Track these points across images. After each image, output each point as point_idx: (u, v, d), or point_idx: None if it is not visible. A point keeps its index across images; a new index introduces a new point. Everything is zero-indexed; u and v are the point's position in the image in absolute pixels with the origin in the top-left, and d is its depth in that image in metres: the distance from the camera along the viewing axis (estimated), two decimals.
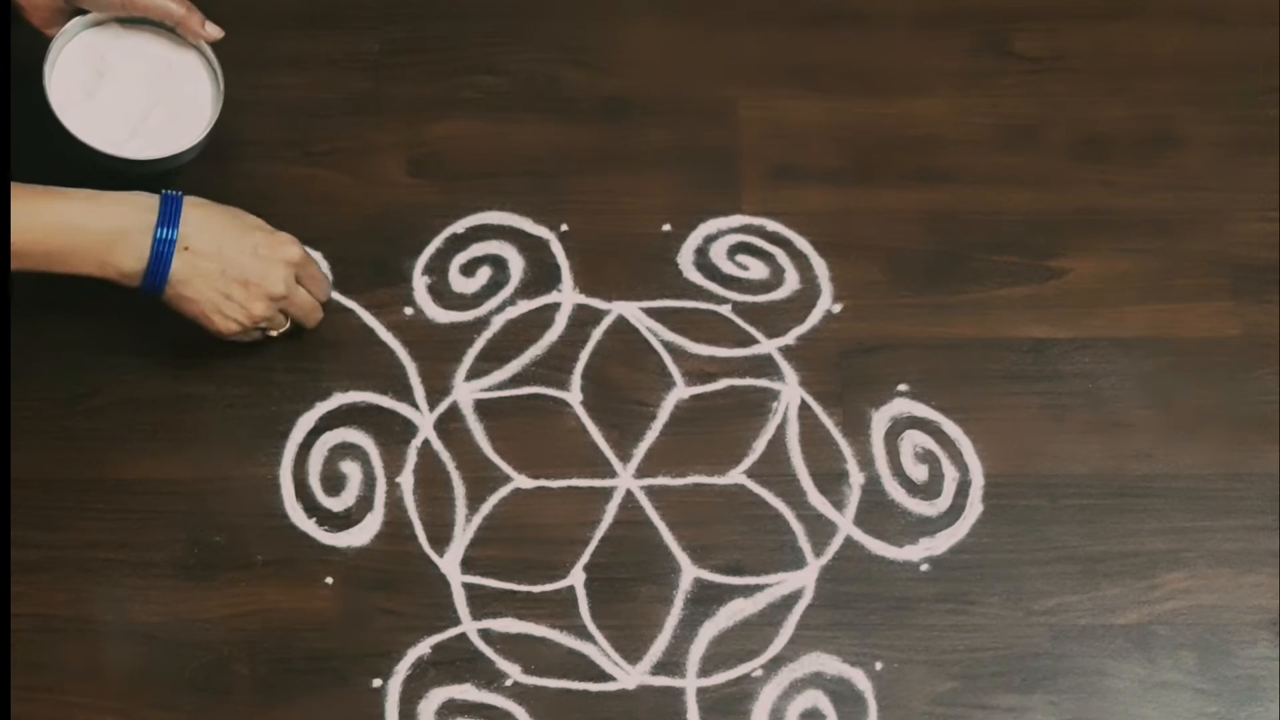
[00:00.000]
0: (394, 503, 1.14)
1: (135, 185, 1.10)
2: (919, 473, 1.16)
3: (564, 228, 1.24)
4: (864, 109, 1.29)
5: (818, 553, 1.13)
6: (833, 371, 1.19)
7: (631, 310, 1.21)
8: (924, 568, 1.13)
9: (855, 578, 1.13)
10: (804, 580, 1.12)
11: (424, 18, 1.32)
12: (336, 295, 1.21)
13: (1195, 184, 1.26)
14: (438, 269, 1.22)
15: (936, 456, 1.16)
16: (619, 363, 1.19)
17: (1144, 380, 1.19)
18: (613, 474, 1.15)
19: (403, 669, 1.09)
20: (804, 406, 1.18)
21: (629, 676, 1.10)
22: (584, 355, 1.19)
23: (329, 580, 1.12)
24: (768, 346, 1.20)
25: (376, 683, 1.09)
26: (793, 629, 1.11)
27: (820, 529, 1.14)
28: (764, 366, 1.19)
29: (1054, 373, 1.19)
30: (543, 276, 1.22)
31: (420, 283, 1.21)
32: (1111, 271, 1.23)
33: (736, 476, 1.16)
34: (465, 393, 1.18)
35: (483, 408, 1.17)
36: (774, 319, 1.21)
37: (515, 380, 1.18)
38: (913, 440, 1.17)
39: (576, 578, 1.12)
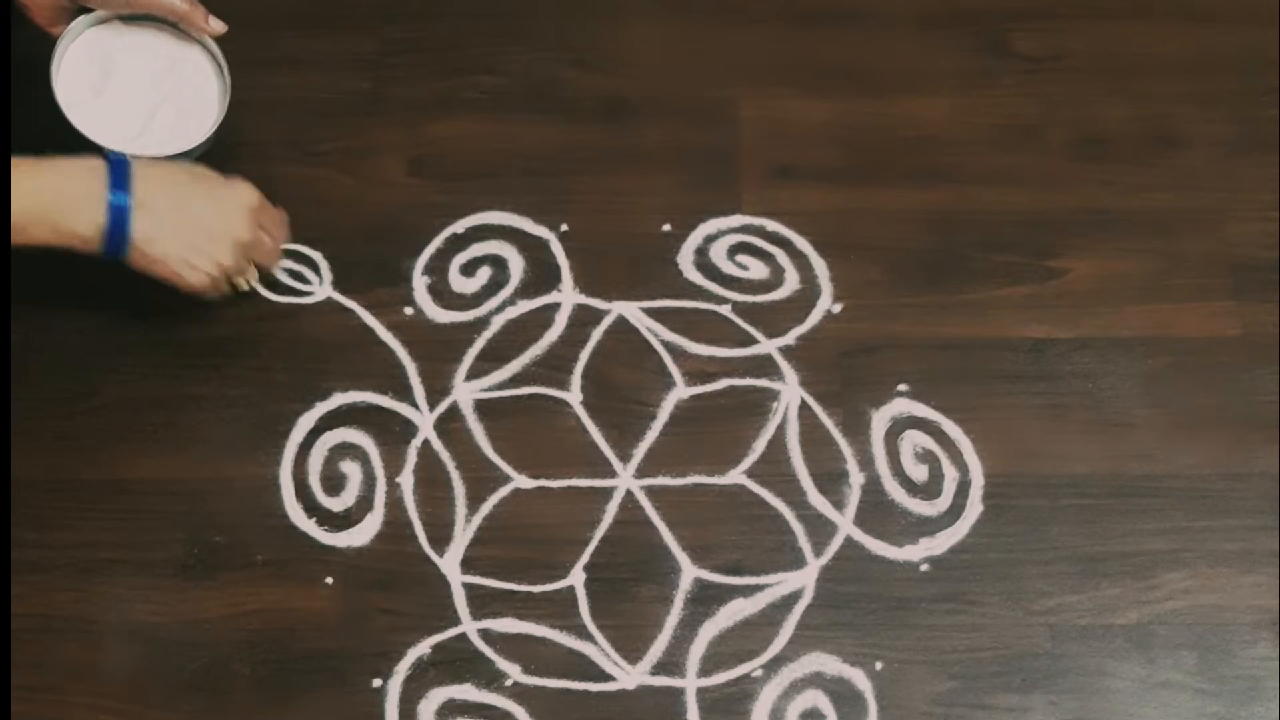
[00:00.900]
0: (394, 503, 1.14)
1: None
2: (919, 473, 1.16)
3: (564, 228, 1.24)
4: (864, 109, 1.29)
5: (818, 553, 1.13)
6: (833, 371, 1.19)
7: (631, 310, 1.21)
8: (924, 568, 1.13)
9: (855, 578, 1.13)
10: (804, 580, 1.13)
11: (424, 18, 1.32)
12: (336, 295, 1.21)
13: (1195, 184, 1.26)
14: (438, 269, 1.22)
15: (936, 456, 1.16)
16: (619, 363, 1.19)
17: (1144, 380, 1.19)
18: (613, 474, 1.15)
19: (403, 669, 1.09)
20: (804, 406, 1.18)
21: (629, 676, 1.10)
22: (584, 355, 1.19)
23: (329, 580, 1.12)
24: (768, 346, 1.20)
25: (376, 683, 1.09)
26: (793, 629, 1.11)
27: (820, 529, 1.14)
28: (764, 366, 1.19)
29: (1054, 373, 1.19)
30: (543, 276, 1.22)
31: (420, 283, 1.22)
32: (1111, 271, 1.23)
33: (736, 476, 1.16)
34: (465, 393, 1.18)
35: (483, 408, 1.17)
36: (774, 319, 1.21)
37: (515, 380, 1.18)
38: (913, 440, 1.17)
39: (576, 578, 1.12)
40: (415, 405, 1.17)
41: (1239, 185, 1.26)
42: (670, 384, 1.19)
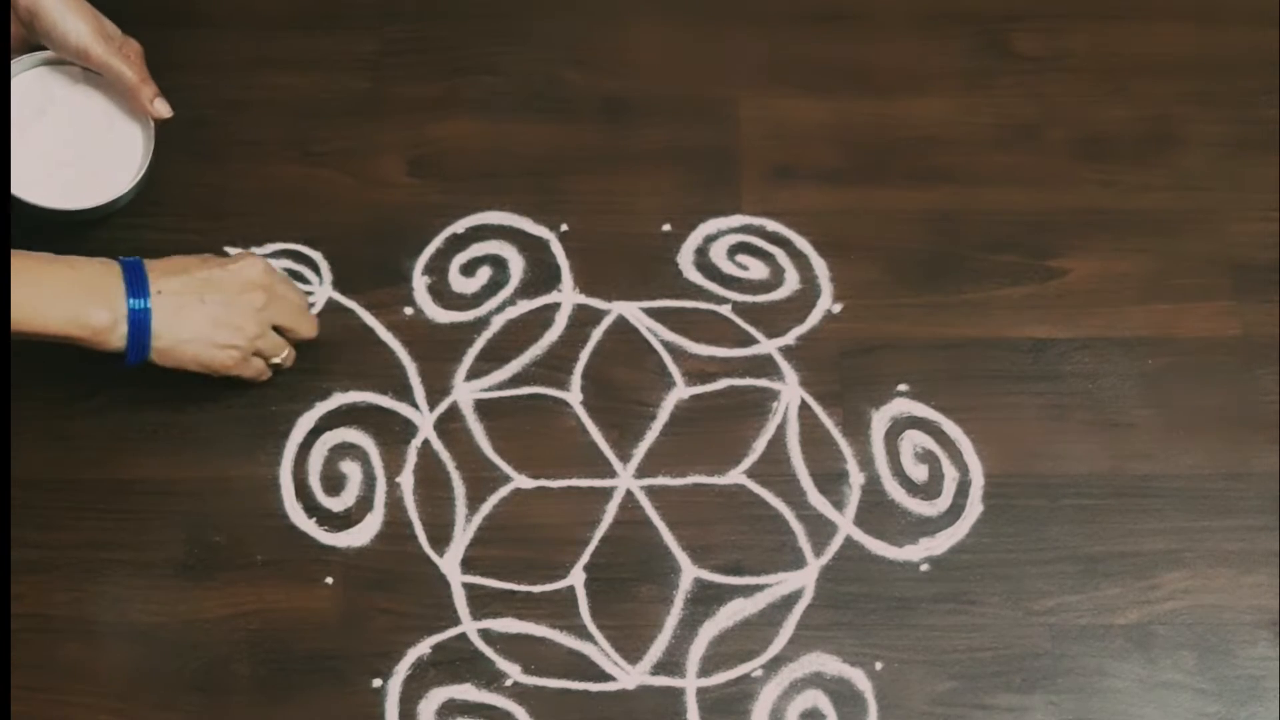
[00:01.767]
0: (394, 503, 1.14)
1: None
2: (919, 473, 1.16)
3: (564, 228, 1.24)
4: (864, 109, 1.29)
5: (818, 553, 1.13)
6: (833, 371, 1.19)
7: (631, 310, 1.21)
8: (924, 568, 1.13)
9: (855, 578, 1.13)
10: (804, 580, 1.12)
11: (424, 18, 1.32)
12: (336, 295, 1.21)
13: (1195, 184, 1.26)
14: (438, 269, 1.22)
15: (936, 456, 1.16)
16: (619, 363, 1.19)
17: (1144, 380, 1.19)
18: (613, 474, 1.15)
19: (403, 669, 1.09)
20: (804, 406, 1.18)
21: (629, 676, 1.10)
22: (584, 355, 1.19)
23: (329, 580, 1.12)
24: (768, 346, 1.20)
25: (376, 683, 1.09)
26: (793, 629, 1.11)
27: (820, 529, 1.14)
28: (764, 366, 1.19)
29: (1054, 373, 1.19)
30: (543, 276, 1.22)
31: (420, 283, 1.21)
32: (1111, 271, 1.23)
33: (736, 476, 1.16)
34: (465, 393, 1.18)
35: (483, 408, 1.17)
36: (774, 319, 1.21)
37: (515, 380, 1.18)
38: (913, 440, 1.17)
39: (576, 578, 1.12)
40: (415, 405, 1.17)
41: (1239, 185, 1.26)
42: (670, 384, 1.18)
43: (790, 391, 1.18)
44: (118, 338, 1.06)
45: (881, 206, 1.25)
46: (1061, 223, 1.24)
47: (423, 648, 1.10)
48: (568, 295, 1.21)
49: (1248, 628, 1.11)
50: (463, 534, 1.13)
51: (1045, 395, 1.18)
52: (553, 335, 1.20)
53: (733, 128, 1.28)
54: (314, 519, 1.14)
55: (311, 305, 1.19)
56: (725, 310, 1.21)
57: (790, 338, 1.20)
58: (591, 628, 1.11)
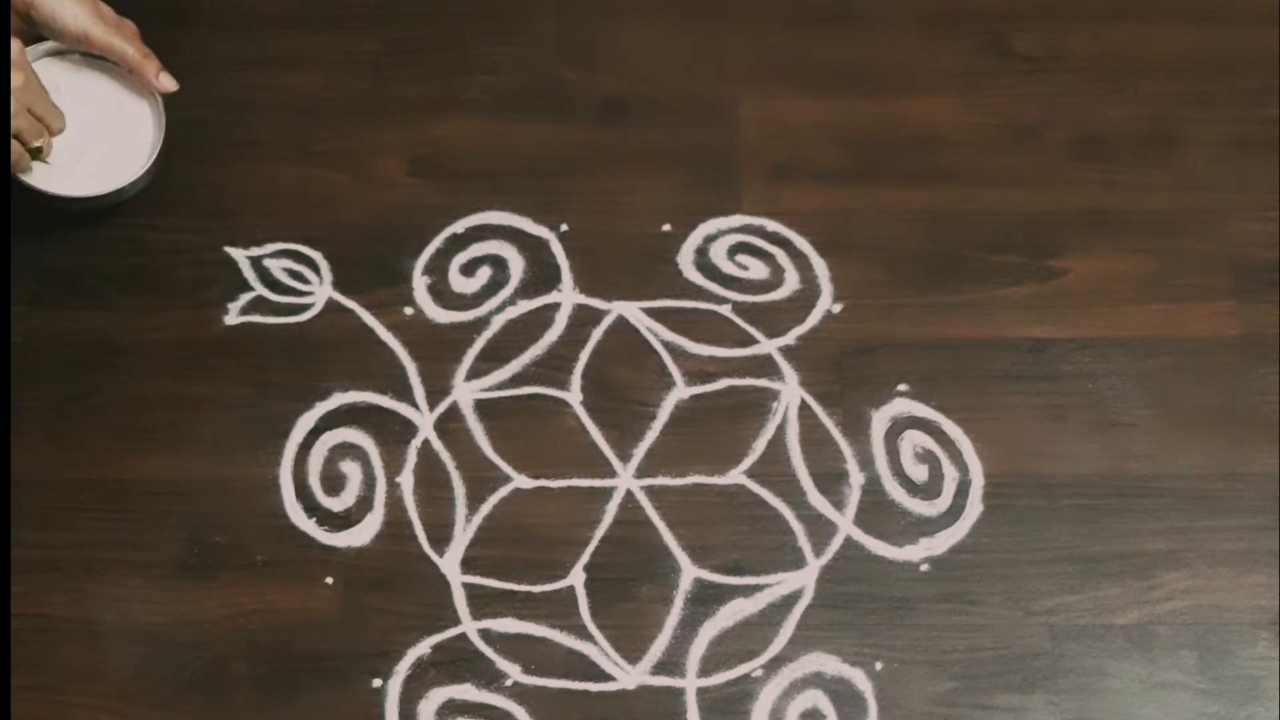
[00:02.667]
0: (394, 503, 1.14)
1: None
2: (919, 473, 1.16)
3: (564, 228, 1.24)
4: (864, 109, 1.29)
5: (818, 553, 1.13)
6: (833, 371, 1.19)
7: (631, 310, 1.21)
8: (924, 568, 1.13)
9: (855, 578, 1.13)
10: (804, 580, 1.12)
11: (424, 18, 1.32)
12: (336, 295, 1.21)
13: (1195, 184, 1.26)
14: (438, 269, 1.22)
15: (936, 456, 1.16)
16: (619, 363, 1.19)
17: (1144, 380, 1.19)
18: (613, 474, 1.15)
19: (403, 669, 1.09)
20: (804, 406, 1.18)
21: (629, 676, 1.10)
22: (584, 355, 1.19)
23: (329, 580, 1.12)
24: (768, 346, 1.20)
25: (376, 683, 1.09)
26: (793, 629, 1.11)
27: (820, 529, 1.14)
28: (764, 366, 1.19)
29: (1054, 373, 1.19)
30: (543, 276, 1.22)
31: (420, 283, 1.21)
32: (1111, 271, 1.23)
33: (736, 476, 1.16)
34: (465, 393, 1.18)
35: (483, 408, 1.17)
36: (774, 319, 1.21)
37: (515, 380, 1.18)
38: (913, 440, 1.17)
39: (576, 578, 1.12)
40: (415, 405, 1.17)
41: (1239, 185, 1.26)
42: (670, 384, 1.18)
43: (790, 391, 1.18)
44: None
45: (881, 206, 1.25)
46: (1061, 223, 1.24)
47: (423, 648, 1.10)
48: (568, 295, 1.21)
49: (1248, 628, 1.11)
50: (463, 534, 1.13)
51: (1045, 395, 1.18)
52: (553, 335, 1.20)
53: (733, 128, 1.28)
54: (314, 519, 1.14)
55: (311, 305, 1.19)
56: (725, 310, 1.21)
57: (790, 338, 1.20)
58: (591, 628, 1.11)
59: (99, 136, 1.18)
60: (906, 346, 1.20)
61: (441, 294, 1.21)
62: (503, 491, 1.15)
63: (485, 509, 1.14)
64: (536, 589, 1.12)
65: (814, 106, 1.29)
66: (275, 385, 1.17)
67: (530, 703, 1.08)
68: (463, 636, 1.10)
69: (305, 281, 1.21)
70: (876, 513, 1.14)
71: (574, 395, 1.18)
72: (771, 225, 1.24)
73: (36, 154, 1.14)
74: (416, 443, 1.16)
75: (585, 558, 1.13)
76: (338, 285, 1.21)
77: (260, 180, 1.25)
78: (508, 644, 1.10)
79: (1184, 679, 1.10)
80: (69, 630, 1.10)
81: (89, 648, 1.10)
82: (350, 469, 1.15)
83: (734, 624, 1.11)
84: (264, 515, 1.13)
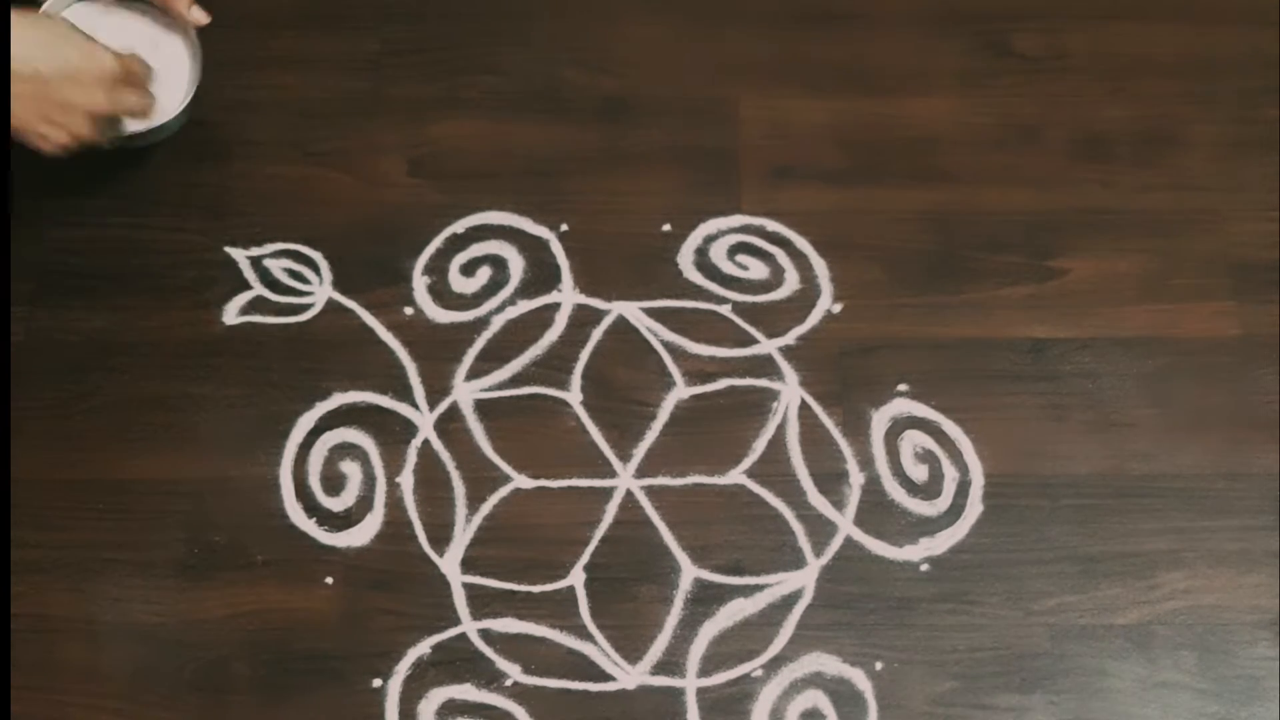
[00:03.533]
0: (394, 503, 1.14)
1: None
2: (919, 473, 1.16)
3: (564, 228, 1.24)
4: (864, 109, 1.29)
5: (818, 553, 1.13)
6: (833, 371, 1.19)
7: (631, 310, 1.21)
8: (924, 568, 1.13)
9: (855, 578, 1.13)
10: (804, 580, 1.12)
11: (424, 18, 1.32)
12: (336, 295, 1.21)
13: (1195, 184, 1.26)
14: (438, 269, 1.22)
15: (936, 456, 1.16)
16: (619, 363, 1.19)
17: (1144, 380, 1.19)
18: (613, 474, 1.15)
19: (403, 669, 1.09)
20: (804, 406, 1.18)
21: (629, 676, 1.10)
22: (584, 355, 1.19)
23: (329, 580, 1.12)
24: (768, 346, 1.20)
25: (376, 683, 1.09)
26: (793, 629, 1.11)
27: (820, 529, 1.14)
28: (764, 366, 1.19)
29: (1054, 373, 1.19)
30: (543, 276, 1.22)
31: (420, 283, 1.21)
32: (1111, 271, 1.23)
33: (736, 476, 1.16)
34: (465, 393, 1.18)
35: (483, 408, 1.17)
36: (774, 319, 1.21)
37: (515, 380, 1.18)
38: (913, 440, 1.17)
39: (576, 578, 1.12)
40: (415, 405, 1.17)
41: (1239, 185, 1.26)
42: (670, 384, 1.18)
43: (790, 391, 1.18)
44: None
45: (881, 206, 1.25)
46: (1061, 223, 1.25)
47: (423, 648, 1.10)
48: (568, 295, 1.21)
49: (1248, 628, 1.11)
50: (463, 534, 1.13)
51: (1045, 395, 1.18)
52: (553, 335, 1.20)
53: (733, 128, 1.28)
54: (314, 519, 1.14)
55: (311, 305, 1.20)
56: (725, 310, 1.21)
57: (790, 338, 1.20)
58: (591, 628, 1.11)
59: None
60: (906, 346, 1.20)
61: (441, 294, 1.21)
62: (503, 491, 1.15)
63: (485, 509, 1.14)
64: (536, 589, 1.12)
65: (814, 106, 1.29)
66: (275, 385, 1.17)
67: (530, 703, 1.08)
68: (463, 636, 1.10)
69: (305, 281, 1.21)
70: (876, 513, 1.14)
71: (574, 395, 1.18)
72: (771, 225, 1.24)
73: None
74: (416, 443, 1.16)
75: (585, 558, 1.13)
76: (338, 285, 1.21)
77: (260, 180, 1.25)
78: (508, 644, 1.10)
79: (1184, 679, 1.10)
80: (69, 630, 1.10)
81: (89, 648, 1.10)
82: (350, 469, 1.15)
83: (734, 624, 1.11)
84: (264, 515, 1.13)
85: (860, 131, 1.28)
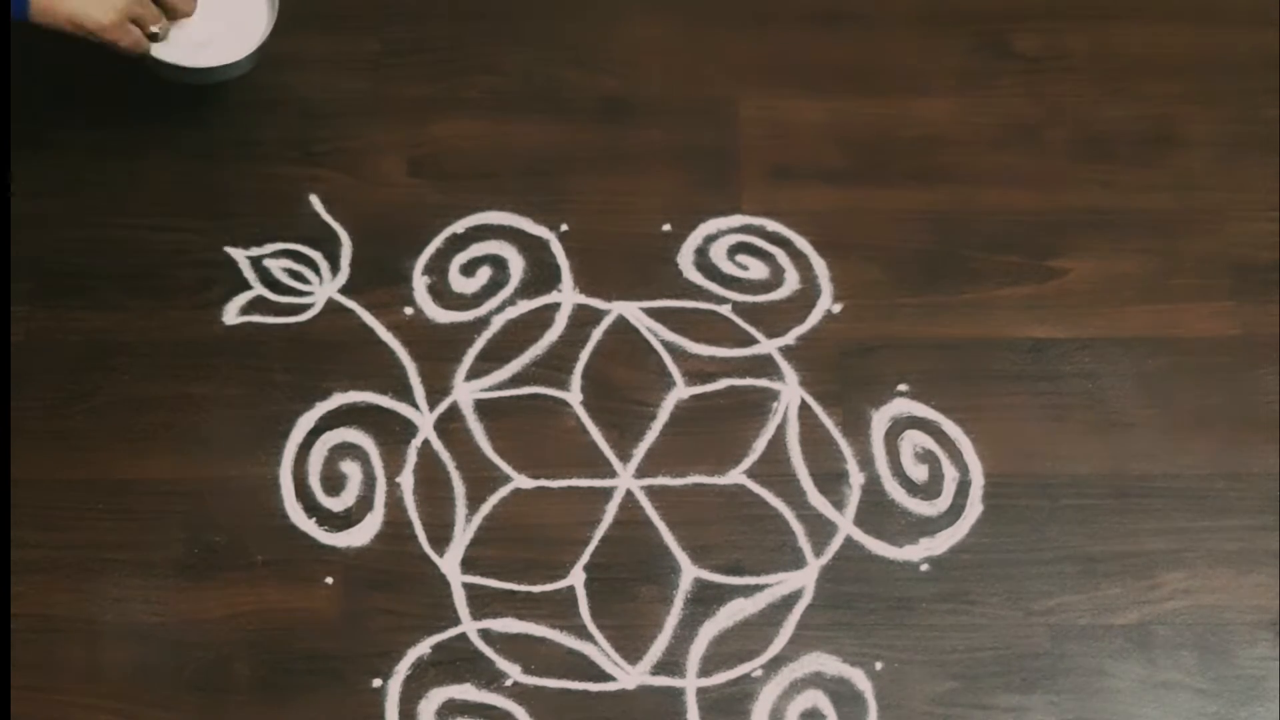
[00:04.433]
0: (394, 503, 1.14)
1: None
2: (919, 473, 1.16)
3: (564, 228, 1.24)
4: (864, 109, 1.29)
5: (818, 553, 1.13)
6: (833, 371, 1.19)
7: (631, 310, 1.21)
8: (924, 568, 1.13)
9: (855, 578, 1.13)
10: (804, 580, 1.13)
11: (424, 18, 1.32)
12: (336, 295, 1.21)
13: (1195, 184, 1.26)
14: (438, 269, 1.22)
15: (936, 456, 1.16)
16: (619, 363, 1.19)
17: (1144, 380, 1.19)
18: (613, 474, 1.15)
19: (403, 669, 1.09)
20: (804, 406, 1.18)
21: (629, 676, 1.10)
22: (584, 355, 1.19)
23: (329, 580, 1.12)
24: (768, 346, 1.20)
25: (376, 683, 1.09)
26: (793, 629, 1.11)
27: (820, 529, 1.14)
28: (764, 366, 1.19)
29: (1054, 373, 1.19)
30: (543, 276, 1.22)
31: (420, 283, 1.21)
32: (1111, 271, 1.23)
33: (736, 476, 1.16)
34: (465, 393, 1.18)
35: (483, 408, 1.17)
36: (774, 319, 1.21)
37: (515, 380, 1.18)
38: (913, 440, 1.17)
39: (576, 578, 1.12)
40: (415, 405, 1.17)
41: (1239, 185, 1.26)
42: (670, 384, 1.18)
43: (790, 391, 1.18)
44: None
45: (881, 206, 1.25)
46: (1061, 223, 1.24)
47: (423, 648, 1.10)
48: (568, 295, 1.21)
49: (1248, 628, 1.11)
50: (463, 534, 1.13)
51: (1045, 395, 1.18)
52: (553, 335, 1.20)
53: (733, 128, 1.28)
54: (314, 519, 1.14)
55: (311, 305, 1.20)
56: (725, 310, 1.21)
57: (790, 338, 1.20)
58: (591, 628, 1.11)
59: (214, 13, 1.19)
60: (906, 346, 1.20)
61: (441, 294, 1.21)
62: (503, 491, 1.15)
63: (485, 509, 1.14)
64: (536, 589, 1.12)
65: (814, 106, 1.29)
66: (275, 385, 1.17)
67: (530, 703, 1.08)
68: (463, 636, 1.10)
69: (305, 281, 1.21)
70: (876, 513, 1.14)
71: (574, 395, 1.18)
72: (771, 225, 1.24)
73: (154, 38, 1.16)
74: (416, 443, 1.16)
75: (585, 558, 1.13)
76: (338, 285, 1.21)
77: (260, 180, 1.25)
78: (508, 644, 1.10)
79: (1184, 679, 1.10)
80: (70, 630, 1.10)
81: (89, 648, 1.10)
82: (350, 469, 1.15)
83: (734, 624, 1.11)
84: (264, 515, 1.13)
85: (860, 131, 1.28)
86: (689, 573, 1.12)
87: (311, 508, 1.14)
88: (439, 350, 1.19)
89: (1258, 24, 1.32)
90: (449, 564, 1.13)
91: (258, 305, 1.20)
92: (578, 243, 1.23)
